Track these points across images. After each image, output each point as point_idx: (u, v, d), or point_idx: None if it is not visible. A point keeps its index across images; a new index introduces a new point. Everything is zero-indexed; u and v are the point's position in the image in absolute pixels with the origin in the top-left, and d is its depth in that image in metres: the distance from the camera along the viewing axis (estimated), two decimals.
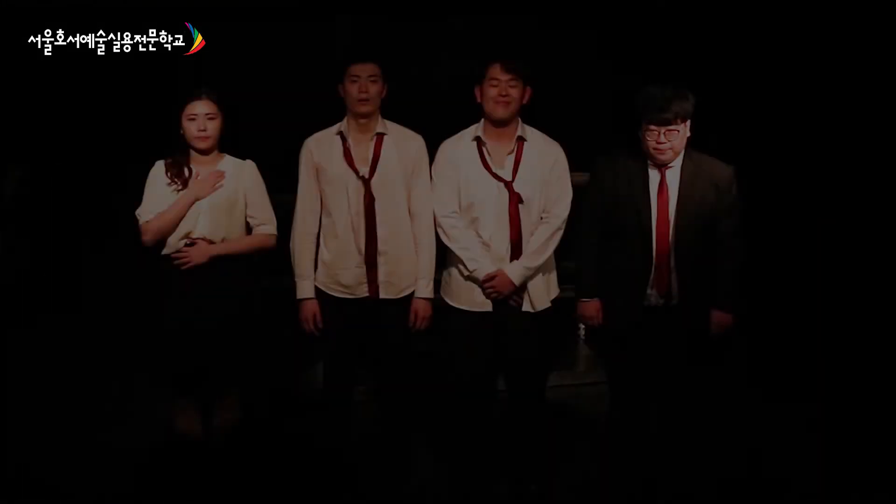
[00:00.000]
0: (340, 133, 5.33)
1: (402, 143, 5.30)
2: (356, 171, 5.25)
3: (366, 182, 5.24)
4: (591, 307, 5.24)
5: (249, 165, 5.31)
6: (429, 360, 6.22)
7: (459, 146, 5.26)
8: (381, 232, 5.23)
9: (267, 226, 5.29)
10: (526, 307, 5.23)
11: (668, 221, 5.08)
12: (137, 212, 5.23)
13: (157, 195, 5.20)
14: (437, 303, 5.39)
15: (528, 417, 5.27)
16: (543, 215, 5.23)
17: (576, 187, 5.35)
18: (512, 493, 5.33)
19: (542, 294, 5.27)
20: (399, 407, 5.34)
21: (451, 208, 5.24)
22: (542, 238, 5.22)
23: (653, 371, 5.12)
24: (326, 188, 5.28)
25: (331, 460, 5.38)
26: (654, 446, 5.19)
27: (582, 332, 7.31)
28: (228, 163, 5.31)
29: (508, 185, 5.18)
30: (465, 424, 5.28)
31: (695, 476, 5.15)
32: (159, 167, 5.24)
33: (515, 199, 5.18)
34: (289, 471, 5.51)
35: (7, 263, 7.65)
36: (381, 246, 5.24)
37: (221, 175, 5.24)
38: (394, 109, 5.45)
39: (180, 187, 5.21)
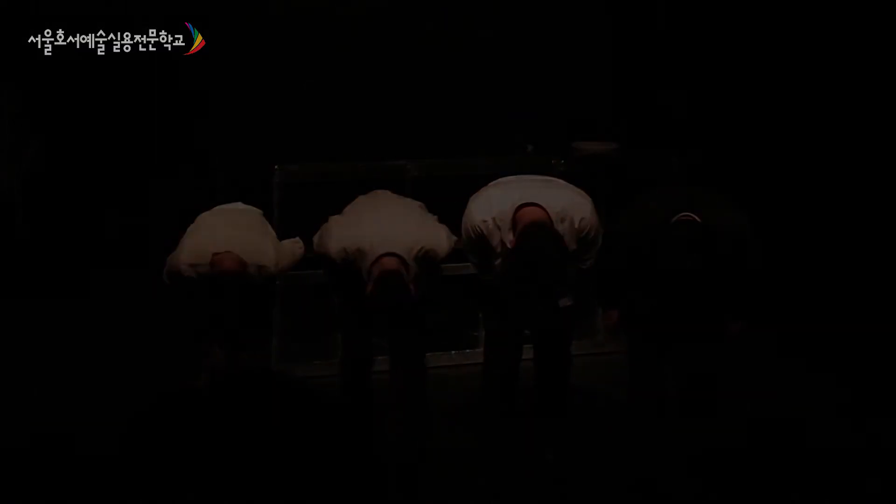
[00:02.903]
0: None
1: None
2: None
3: None
4: (612, 315, 5.35)
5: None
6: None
7: (489, 227, 5.11)
8: None
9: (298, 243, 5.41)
10: (564, 303, 5.26)
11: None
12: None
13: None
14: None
15: (553, 390, 5.33)
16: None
17: (595, 156, 5.22)
18: (528, 461, 5.39)
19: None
20: (413, 374, 5.36)
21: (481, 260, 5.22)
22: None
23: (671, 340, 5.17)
24: None
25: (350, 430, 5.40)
26: (670, 415, 5.25)
27: None
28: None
29: None
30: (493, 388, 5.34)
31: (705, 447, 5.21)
32: (187, 273, 5.14)
33: None
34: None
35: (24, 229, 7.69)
36: None
37: None
38: None
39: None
